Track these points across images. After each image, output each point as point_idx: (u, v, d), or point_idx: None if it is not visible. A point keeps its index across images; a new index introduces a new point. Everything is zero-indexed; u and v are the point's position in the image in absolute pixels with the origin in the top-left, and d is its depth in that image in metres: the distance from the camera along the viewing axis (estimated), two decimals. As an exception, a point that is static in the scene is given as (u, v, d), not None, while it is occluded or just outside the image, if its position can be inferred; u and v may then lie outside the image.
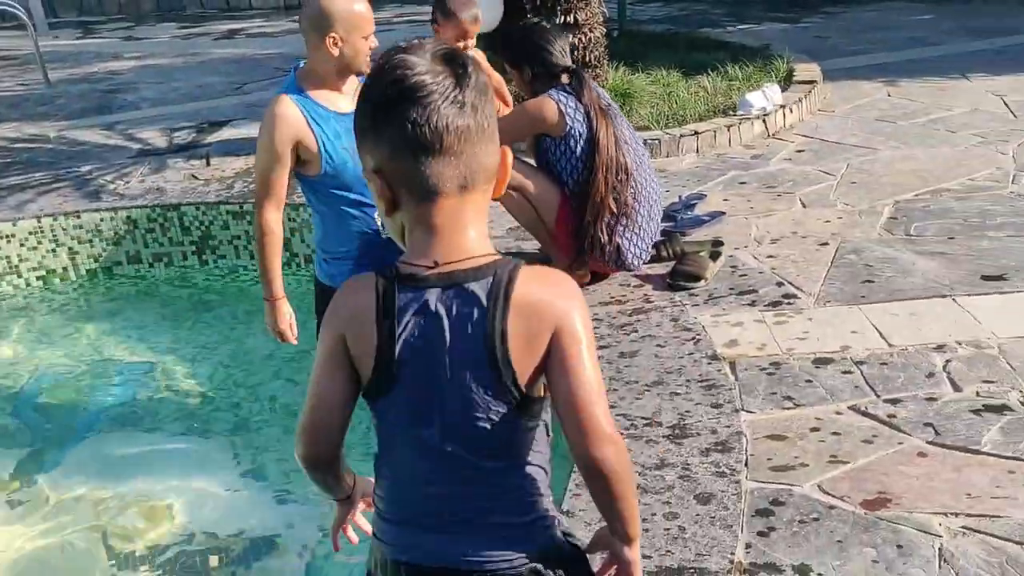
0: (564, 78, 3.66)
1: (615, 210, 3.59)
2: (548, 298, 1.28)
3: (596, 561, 1.45)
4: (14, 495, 3.50)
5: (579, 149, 3.57)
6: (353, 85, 3.08)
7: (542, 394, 1.33)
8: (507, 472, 1.36)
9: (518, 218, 3.83)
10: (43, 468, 3.66)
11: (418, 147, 1.23)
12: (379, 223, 3.12)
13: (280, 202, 3.03)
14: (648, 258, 3.83)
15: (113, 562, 3.09)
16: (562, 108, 3.57)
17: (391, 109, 1.24)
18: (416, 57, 1.25)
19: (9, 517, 3.36)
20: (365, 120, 1.29)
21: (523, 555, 1.36)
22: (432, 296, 1.27)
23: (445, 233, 1.27)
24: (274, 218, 3.02)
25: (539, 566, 1.37)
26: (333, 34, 2.87)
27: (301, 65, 3.02)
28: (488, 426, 1.30)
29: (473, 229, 1.29)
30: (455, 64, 1.26)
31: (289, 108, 2.94)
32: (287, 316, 3.10)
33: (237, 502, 3.35)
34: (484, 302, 1.26)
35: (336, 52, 2.91)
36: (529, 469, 1.38)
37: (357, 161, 3.18)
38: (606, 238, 3.62)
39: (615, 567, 1.41)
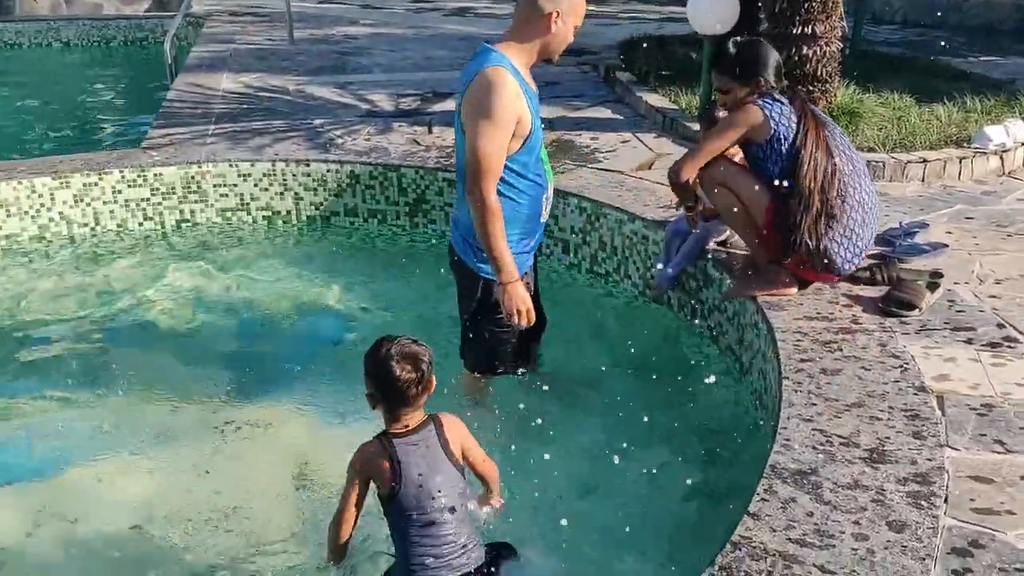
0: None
1: (820, 208, 3.48)
2: (455, 425, 2.62)
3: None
4: (206, 416, 3.80)
5: (785, 151, 3.50)
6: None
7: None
8: (466, 516, 2.58)
9: (727, 217, 3.80)
10: (241, 398, 3.94)
11: (401, 399, 2.49)
12: (543, 203, 3.19)
13: (497, 180, 2.99)
14: (858, 265, 3.68)
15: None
16: (766, 112, 3.49)
17: (388, 380, 2.46)
18: (399, 351, 2.46)
19: (196, 441, 3.65)
20: (377, 380, 2.49)
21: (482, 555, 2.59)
22: (414, 440, 2.51)
23: (408, 418, 2.53)
24: (497, 196, 2.98)
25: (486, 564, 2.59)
26: (559, 10, 2.92)
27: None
28: (458, 494, 2.52)
29: (420, 412, 2.56)
30: (417, 360, 2.47)
31: (512, 83, 2.91)
32: (525, 296, 3.08)
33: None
34: (436, 437, 2.54)
35: (554, 29, 2.94)
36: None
37: (541, 140, 3.16)
38: (813, 241, 3.52)
39: None
